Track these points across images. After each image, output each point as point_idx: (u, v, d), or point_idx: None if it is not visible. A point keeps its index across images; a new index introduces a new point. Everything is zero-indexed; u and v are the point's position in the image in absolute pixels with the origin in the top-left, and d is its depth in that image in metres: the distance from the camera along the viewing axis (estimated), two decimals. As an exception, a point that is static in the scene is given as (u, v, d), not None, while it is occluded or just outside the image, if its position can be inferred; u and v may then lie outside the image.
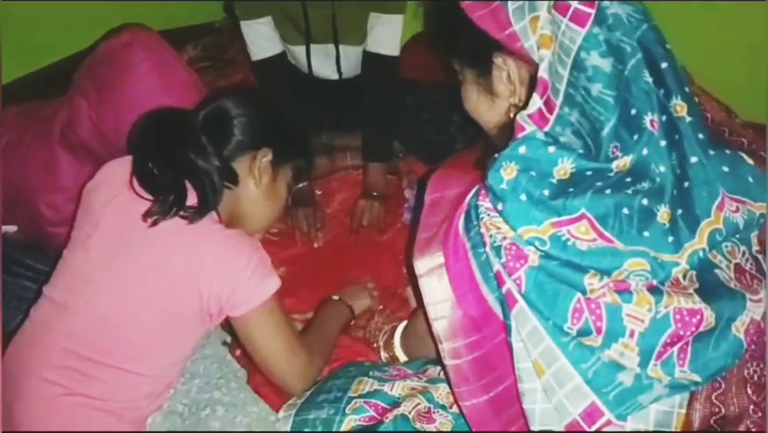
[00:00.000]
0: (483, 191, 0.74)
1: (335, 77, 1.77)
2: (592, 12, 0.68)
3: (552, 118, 0.71)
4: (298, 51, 1.71)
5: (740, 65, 1.71)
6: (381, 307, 1.37)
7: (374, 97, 1.70)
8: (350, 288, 1.38)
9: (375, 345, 1.23)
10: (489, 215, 0.72)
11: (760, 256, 0.75)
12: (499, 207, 0.70)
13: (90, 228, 1.00)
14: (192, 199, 0.98)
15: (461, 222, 0.78)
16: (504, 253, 0.70)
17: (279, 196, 1.12)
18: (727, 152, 0.74)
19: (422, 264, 0.81)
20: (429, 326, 0.87)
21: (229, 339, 1.28)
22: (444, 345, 0.79)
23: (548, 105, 0.71)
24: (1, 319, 1.18)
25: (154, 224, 0.94)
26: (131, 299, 0.96)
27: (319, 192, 1.73)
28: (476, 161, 0.83)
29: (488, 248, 0.72)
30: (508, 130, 0.77)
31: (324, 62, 1.73)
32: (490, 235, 0.72)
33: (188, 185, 0.99)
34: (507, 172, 0.70)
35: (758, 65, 1.65)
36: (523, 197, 0.69)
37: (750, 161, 0.75)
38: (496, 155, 0.72)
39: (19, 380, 0.97)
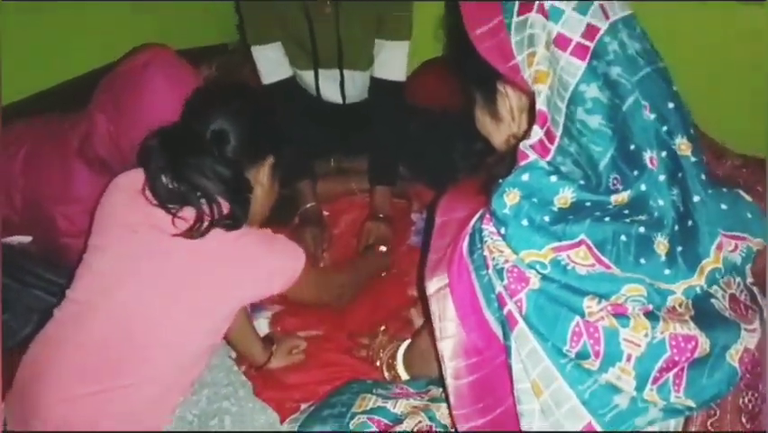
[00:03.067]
0: (488, 215, 0.76)
1: (341, 101, 1.81)
2: (591, 45, 0.70)
3: (552, 148, 0.73)
4: (307, 76, 1.75)
5: (739, 94, 1.75)
6: (384, 327, 1.39)
7: (380, 122, 1.74)
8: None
9: (378, 363, 1.25)
10: (492, 238, 0.74)
11: (754, 288, 0.77)
12: (502, 230, 0.72)
13: (111, 233, 1.05)
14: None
15: (465, 244, 0.80)
16: (506, 276, 0.72)
17: (275, 190, 1.25)
18: (725, 189, 0.75)
19: (431, 285, 0.84)
20: (434, 345, 0.89)
21: (234, 355, 1.30)
22: (448, 365, 0.81)
23: (548, 135, 0.74)
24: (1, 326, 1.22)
25: (192, 236, 1.01)
26: (160, 299, 1.01)
27: (326, 213, 1.76)
28: (480, 187, 0.85)
29: (490, 270, 0.74)
30: (510, 157, 0.79)
31: (331, 86, 1.77)
32: (493, 258, 0.74)
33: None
34: (510, 198, 0.72)
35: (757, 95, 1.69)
36: (525, 222, 0.71)
37: (748, 198, 0.76)
38: (500, 181, 0.74)
39: (42, 378, 1.00)
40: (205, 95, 1.16)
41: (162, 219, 1.02)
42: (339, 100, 1.81)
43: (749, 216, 0.75)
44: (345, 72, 1.73)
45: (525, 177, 0.72)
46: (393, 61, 1.69)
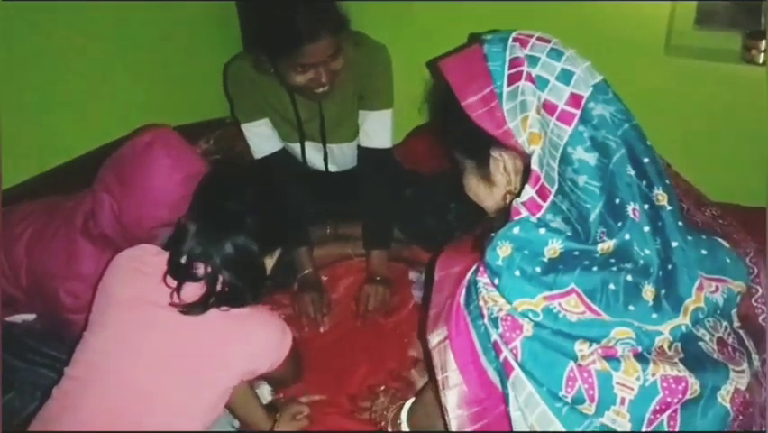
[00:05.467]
0: (482, 268, 0.79)
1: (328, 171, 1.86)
2: (577, 112, 0.77)
3: (545, 206, 0.78)
4: (296, 148, 1.80)
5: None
6: (384, 387, 1.40)
7: (371, 189, 1.78)
8: None
9: (383, 423, 1.25)
10: (486, 289, 0.78)
11: (741, 331, 0.80)
12: (496, 281, 0.76)
13: (110, 310, 1.07)
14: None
15: (462, 297, 0.83)
16: (501, 325, 0.75)
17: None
18: (704, 237, 0.81)
19: (432, 338, 0.87)
20: (437, 400, 0.90)
21: (237, 424, 1.31)
22: (451, 415, 0.83)
23: (541, 194, 0.78)
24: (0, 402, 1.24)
25: (193, 313, 1.06)
26: (156, 375, 1.03)
27: (325, 278, 1.79)
28: (474, 242, 0.89)
29: (486, 320, 0.78)
30: (506, 212, 0.84)
31: (319, 158, 1.83)
32: (488, 308, 0.77)
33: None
34: (502, 250, 0.76)
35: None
36: (517, 272, 0.75)
37: (726, 244, 0.82)
38: (492, 235, 0.78)
39: None
40: (235, 177, 1.22)
41: (161, 295, 1.06)
42: (325, 170, 1.85)
43: (728, 260, 0.79)
44: (333, 145, 1.78)
45: (516, 230, 0.77)
46: (377, 130, 1.73)
